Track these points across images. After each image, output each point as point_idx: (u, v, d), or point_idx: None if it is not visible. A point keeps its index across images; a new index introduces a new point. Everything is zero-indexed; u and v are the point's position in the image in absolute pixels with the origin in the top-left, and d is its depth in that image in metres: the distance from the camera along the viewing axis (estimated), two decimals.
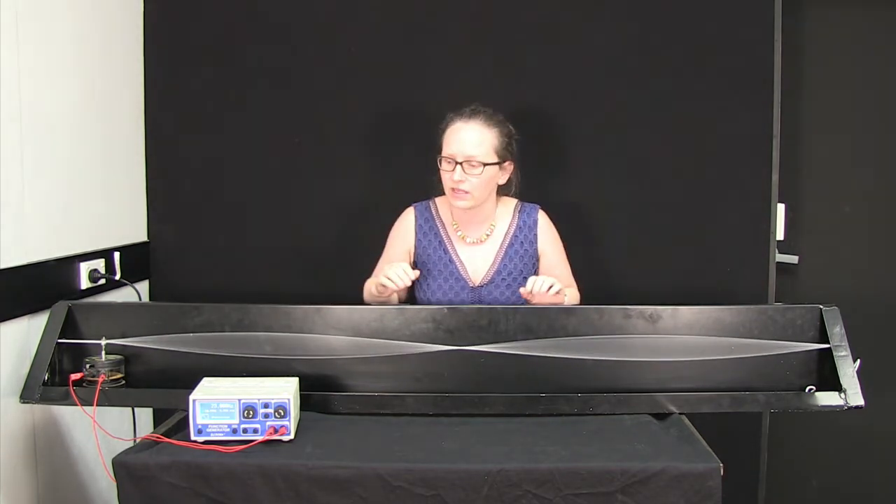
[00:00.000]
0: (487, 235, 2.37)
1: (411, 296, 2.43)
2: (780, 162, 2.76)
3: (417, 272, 2.27)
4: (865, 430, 2.97)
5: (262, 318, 2.12)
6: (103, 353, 2.07)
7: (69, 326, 2.13)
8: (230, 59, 2.83)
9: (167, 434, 1.90)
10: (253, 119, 2.85)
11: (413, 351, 2.10)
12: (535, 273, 2.37)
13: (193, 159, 2.87)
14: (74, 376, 2.05)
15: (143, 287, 2.82)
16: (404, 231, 2.41)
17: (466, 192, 2.25)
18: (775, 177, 2.76)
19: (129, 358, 2.10)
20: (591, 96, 2.80)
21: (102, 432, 1.97)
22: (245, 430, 1.84)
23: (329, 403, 2.07)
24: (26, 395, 2.03)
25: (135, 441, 2.04)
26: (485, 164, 2.24)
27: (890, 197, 2.97)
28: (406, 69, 2.81)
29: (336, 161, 2.86)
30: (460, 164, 2.23)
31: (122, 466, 1.77)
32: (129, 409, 2.43)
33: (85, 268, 2.43)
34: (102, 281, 2.49)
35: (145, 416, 2.68)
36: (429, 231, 2.39)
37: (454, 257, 2.36)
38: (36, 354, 2.09)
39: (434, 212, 2.41)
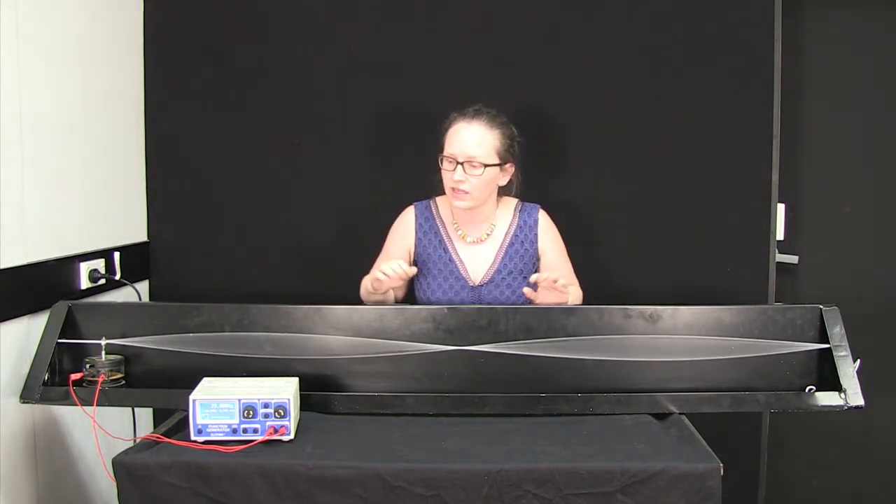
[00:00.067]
0: (488, 235, 2.37)
1: (411, 295, 2.43)
2: (780, 162, 2.76)
3: (415, 269, 2.26)
4: (865, 430, 2.98)
5: (262, 318, 2.12)
6: (103, 353, 2.08)
7: (69, 326, 2.13)
8: (230, 59, 2.83)
9: (167, 434, 1.90)
10: (253, 119, 2.85)
11: (413, 351, 2.10)
12: (537, 272, 2.36)
13: (193, 159, 2.87)
14: (74, 376, 2.05)
15: (143, 287, 2.82)
16: (404, 230, 2.41)
17: (466, 193, 2.25)
18: (775, 177, 2.76)
19: (129, 358, 2.10)
20: (591, 96, 2.80)
21: (102, 432, 1.97)
22: (245, 430, 1.84)
23: (329, 403, 2.07)
24: (26, 395, 2.03)
25: (135, 441, 2.04)
26: (486, 165, 2.24)
27: (890, 197, 2.97)
28: (406, 69, 2.81)
29: (336, 161, 2.86)
30: (461, 164, 2.23)
31: (122, 466, 1.77)
32: (129, 409, 2.43)
33: (85, 268, 2.43)
34: (102, 281, 2.49)
35: (145, 416, 2.68)
36: (429, 230, 2.39)
37: (454, 256, 2.36)
38: (36, 354, 2.09)
39: (434, 211, 2.41)
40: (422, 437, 1.93)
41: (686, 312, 2.11)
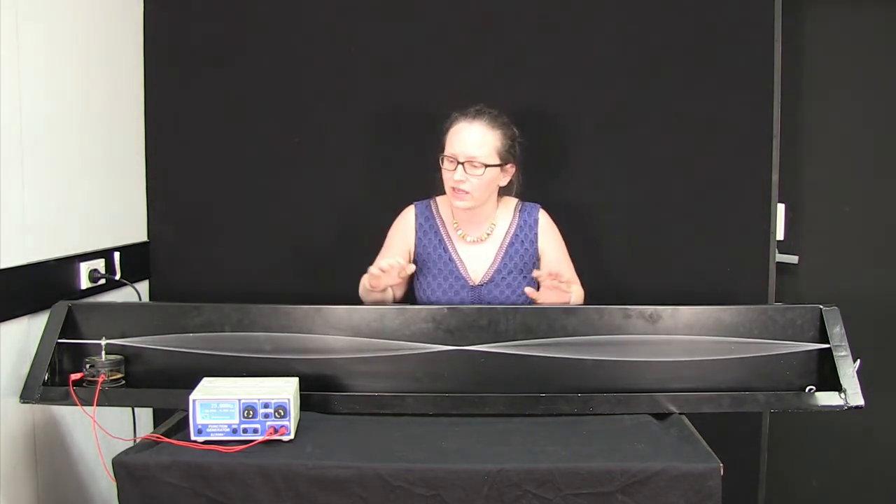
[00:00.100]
0: (488, 234, 2.37)
1: (411, 295, 2.43)
2: (780, 162, 2.76)
3: (413, 266, 2.26)
4: (865, 431, 2.97)
5: (262, 318, 2.12)
6: (103, 353, 2.07)
7: (69, 326, 2.13)
8: (230, 59, 2.83)
9: (167, 434, 1.90)
10: (253, 119, 2.85)
11: (413, 351, 2.10)
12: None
13: (193, 159, 2.87)
14: (74, 376, 2.05)
15: (143, 287, 2.82)
16: (404, 229, 2.41)
17: (467, 193, 2.25)
18: (775, 177, 2.76)
19: (129, 358, 2.10)
20: (591, 96, 2.80)
21: (102, 432, 1.97)
22: (245, 430, 1.84)
23: (329, 403, 2.07)
24: (26, 395, 2.03)
25: (135, 441, 2.04)
26: (486, 166, 2.24)
27: (890, 197, 2.97)
28: (406, 69, 2.81)
29: (336, 161, 2.86)
30: (462, 164, 2.23)
31: (122, 466, 1.77)
32: (129, 409, 2.43)
33: (85, 268, 2.43)
34: (102, 281, 2.49)
35: (145, 416, 2.68)
36: (429, 230, 2.39)
37: (454, 256, 2.36)
38: (36, 354, 2.09)
39: (434, 210, 2.41)
40: (422, 437, 1.93)
41: (686, 312, 2.11)
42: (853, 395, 2.00)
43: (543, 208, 2.42)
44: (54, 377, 2.08)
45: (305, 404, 2.01)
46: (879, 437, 3.00)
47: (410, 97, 2.81)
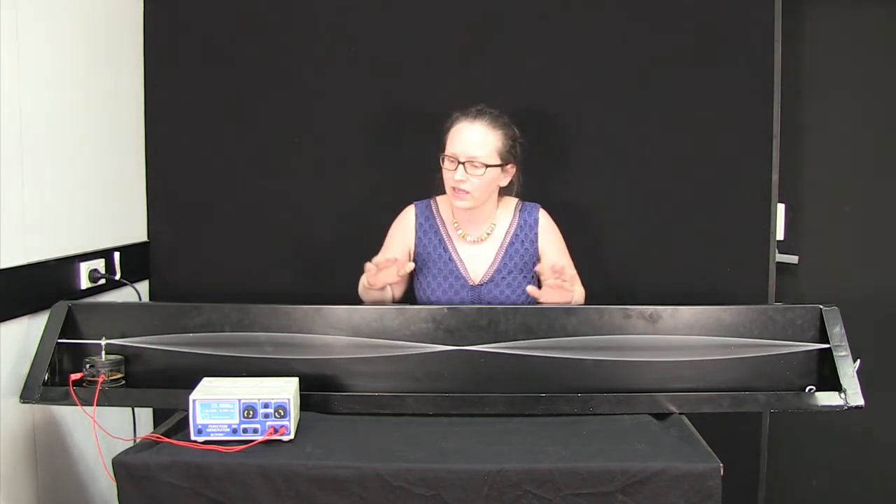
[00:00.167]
0: (488, 234, 2.37)
1: (411, 295, 2.43)
2: (780, 162, 2.76)
3: (412, 265, 2.26)
4: (865, 431, 2.97)
5: (262, 318, 2.12)
6: (103, 353, 2.07)
7: (69, 326, 2.13)
8: (230, 59, 2.83)
9: (167, 434, 1.90)
10: (253, 119, 2.85)
11: (413, 351, 2.10)
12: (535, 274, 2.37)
13: (193, 159, 2.87)
14: (74, 376, 2.05)
15: (143, 287, 2.82)
16: (404, 229, 2.41)
17: (467, 193, 2.25)
18: (775, 177, 2.76)
19: (129, 358, 2.10)
20: (591, 96, 2.80)
21: (102, 432, 1.97)
22: (245, 430, 1.84)
23: (329, 403, 2.07)
24: (26, 395, 2.03)
25: (135, 441, 2.04)
26: (487, 166, 2.24)
27: (890, 197, 2.97)
28: (406, 69, 2.81)
29: (336, 161, 2.86)
30: (463, 164, 2.23)
31: (122, 466, 1.77)
32: (129, 409, 2.43)
33: (85, 268, 2.43)
34: (102, 281, 2.50)
35: (145, 416, 2.68)
36: (429, 229, 2.39)
37: (454, 256, 2.36)
38: (36, 354, 2.09)
39: (434, 210, 2.41)
40: (422, 437, 1.93)
41: (686, 312, 2.11)
42: (853, 395, 2.00)
43: (543, 208, 2.42)
44: (54, 377, 2.08)
45: (305, 404, 2.01)
46: (879, 437, 3.00)
47: (410, 97, 2.81)
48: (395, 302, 2.38)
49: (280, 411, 1.85)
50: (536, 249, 2.37)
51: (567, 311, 2.13)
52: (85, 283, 2.42)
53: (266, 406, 1.84)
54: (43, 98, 2.25)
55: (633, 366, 2.09)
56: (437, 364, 2.09)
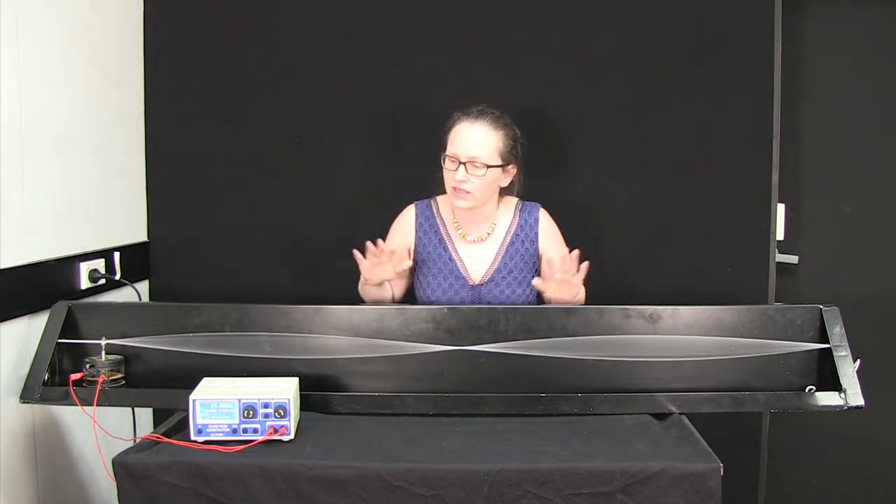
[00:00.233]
0: (488, 234, 2.37)
1: (411, 295, 2.43)
2: (780, 162, 2.76)
3: (409, 262, 2.26)
4: (865, 431, 2.97)
5: (262, 318, 2.12)
6: (103, 353, 2.07)
7: (69, 326, 2.13)
8: (230, 59, 2.83)
9: (167, 434, 1.90)
10: (253, 119, 2.85)
11: (413, 351, 2.10)
12: (537, 272, 2.37)
13: (193, 160, 2.87)
14: (74, 376, 2.05)
15: (143, 287, 2.82)
16: (404, 228, 2.41)
17: (468, 193, 2.25)
18: (775, 177, 2.76)
19: (129, 358, 2.10)
20: (591, 96, 2.80)
21: (102, 432, 1.97)
22: (245, 430, 1.84)
23: (329, 403, 2.07)
24: (26, 395, 2.03)
25: (135, 441, 2.04)
26: (488, 167, 2.24)
27: (890, 197, 2.97)
28: (406, 69, 2.81)
29: (336, 161, 2.86)
30: (464, 164, 2.23)
31: (122, 466, 1.77)
32: (129, 409, 2.43)
33: (85, 268, 2.43)
34: (102, 281, 2.50)
35: (145, 416, 2.68)
36: (429, 229, 2.39)
37: (454, 255, 2.36)
38: (36, 354, 2.09)
39: (435, 210, 2.41)
40: (422, 437, 1.93)
41: (686, 312, 2.11)
42: (853, 395, 2.00)
43: (544, 207, 2.42)
44: (54, 377, 2.08)
45: (305, 404, 2.01)
46: (879, 437, 3.00)
47: (410, 97, 2.81)
48: (395, 302, 2.38)
49: (280, 411, 1.85)
50: (537, 249, 2.37)
51: (567, 311, 2.13)
52: (85, 283, 2.42)
53: (266, 406, 1.84)
54: (43, 98, 2.25)
55: (633, 366, 2.09)
56: (437, 364, 2.09)
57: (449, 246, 2.37)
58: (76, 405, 2.02)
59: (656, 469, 1.74)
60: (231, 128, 2.85)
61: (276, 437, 1.85)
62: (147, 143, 2.85)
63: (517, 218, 2.38)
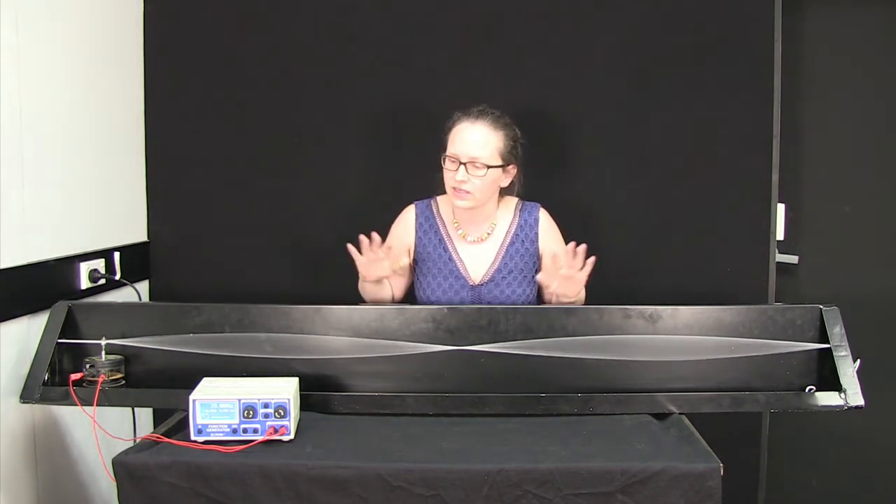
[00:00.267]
0: (488, 234, 2.37)
1: (411, 295, 2.43)
2: (780, 162, 2.76)
3: (407, 259, 2.26)
4: (865, 431, 2.97)
5: (262, 318, 2.12)
6: (103, 353, 2.07)
7: (69, 326, 2.13)
8: (230, 59, 2.84)
9: (167, 434, 1.90)
10: (253, 119, 2.85)
11: (413, 351, 2.10)
12: (537, 272, 2.36)
13: (193, 159, 2.87)
14: (74, 376, 2.05)
15: (143, 287, 2.82)
16: (405, 228, 2.41)
17: (468, 193, 2.25)
18: (775, 177, 2.76)
19: (129, 358, 2.10)
20: (591, 96, 2.80)
21: (102, 432, 1.97)
22: (245, 430, 1.84)
23: (329, 403, 2.07)
24: (26, 395, 2.03)
25: (135, 441, 2.04)
26: (488, 167, 2.23)
27: (890, 197, 2.97)
28: (406, 69, 2.81)
29: (336, 161, 2.86)
30: (464, 164, 2.23)
31: (122, 466, 1.77)
32: (129, 409, 2.43)
33: (85, 268, 2.43)
34: (102, 281, 2.50)
35: (145, 416, 2.68)
36: (429, 229, 2.39)
37: (454, 255, 2.36)
38: (36, 354, 2.09)
39: (435, 210, 2.41)
40: (422, 437, 1.93)
41: (686, 312, 2.11)
42: (853, 395, 2.00)
43: (544, 207, 2.42)
44: (54, 377, 2.08)
45: (305, 404, 2.01)
46: (879, 437, 3.00)
47: (410, 97, 2.81)
48: (395, 302, 2.38)
49: (280, 411, 1.85)
50: (537, 249, 2.37)
51: (567, 311, 2.13)
52: (85, 283, 2.42)
53: (266, 406, 1.84)
54: (43, 98, 2.25)
55: (633, 366, 2.09)
56: (437, 364, 2.09)
57: (449, 246, 2.37)
58: (76, 405, 2.02)
59: (656, 469, 1.74)
60: (231, 128, 2.85)
61: (276, 437, 1.85)
62: (147, 143, 2.85)
63: (517, 218, 2.38)
